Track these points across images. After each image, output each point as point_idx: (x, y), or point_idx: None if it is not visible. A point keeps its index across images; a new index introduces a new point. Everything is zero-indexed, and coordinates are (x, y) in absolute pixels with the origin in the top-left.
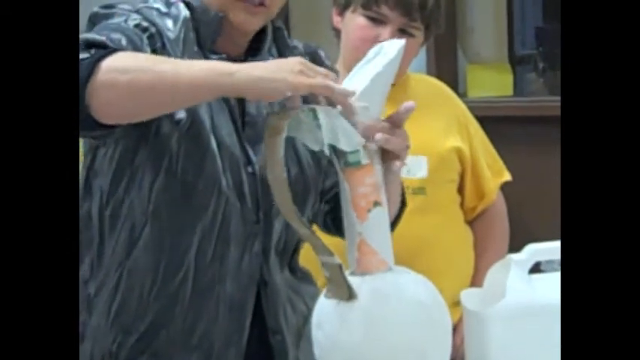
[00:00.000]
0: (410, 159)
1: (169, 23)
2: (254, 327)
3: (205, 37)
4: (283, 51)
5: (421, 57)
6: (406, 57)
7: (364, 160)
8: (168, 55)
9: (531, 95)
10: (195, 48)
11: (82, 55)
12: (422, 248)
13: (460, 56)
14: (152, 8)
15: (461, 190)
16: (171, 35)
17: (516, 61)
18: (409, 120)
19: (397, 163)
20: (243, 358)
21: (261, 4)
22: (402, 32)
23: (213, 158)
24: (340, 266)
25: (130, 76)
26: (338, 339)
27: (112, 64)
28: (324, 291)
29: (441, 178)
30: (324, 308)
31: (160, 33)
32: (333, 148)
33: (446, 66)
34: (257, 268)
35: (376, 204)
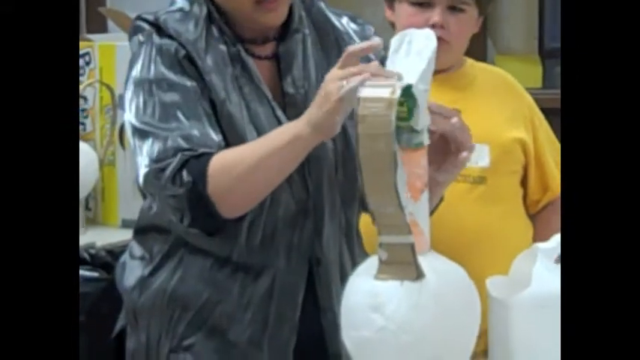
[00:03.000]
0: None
1: (190, 26)
2: (307, 305)
3: (228, 33)
4: (316, 18)
5: None
6: (463, 32)
7: (426, 141)
8: (191, 58)
9: (560, 88)
10: (222, 45)
11: (176, 161)
12: (481, 238)
13: (490, 47)
14: (174, 11)
15: (524, 182)
16: (191, 37)
17: (546, 54)
18: (473, 108)
19: (464, 153)
20: (297, 335)
21: None
22: (452, 9)
23: None
24: (413, 245)
25: (235, 173)
26: (407, 319)
27: (215, 174)
28: (376, 273)
29: (503, 169)
30: (382, 289)
31: (182, 45)
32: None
33: (475, 57)
34: (308, 247)
35: (426, 185)
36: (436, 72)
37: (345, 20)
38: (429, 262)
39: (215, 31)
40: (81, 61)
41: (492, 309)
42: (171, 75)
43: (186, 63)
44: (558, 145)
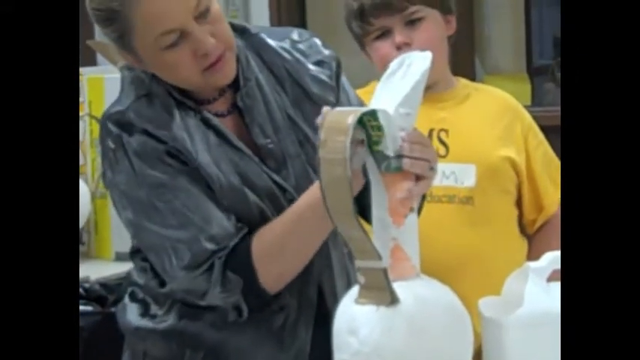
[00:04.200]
0: (458, 167)
1: (160, 110)
2: (319, 337)
3: (192, 104)
4: (262, 53)
5: None
6: (432, 40)
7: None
8: (170, 151)
9: (549, 105)
10: (192, 117)
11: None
12: (469, 260)
13: (478, 67)
14: (139, 98)
15: (519, 203)
16: (165, 122)
17: (534, 72)
18: (460, 128)
19: (421, 183)
20: None
21: (221, 56)
22: (411, 24)
23: (257, 206)
24: (386, 270)
25: (281, 258)
26: (379, 344)
27: (262, 265)
28: (356, 297)
29: (492, 189)
30: (359, 314)
31: (157, 138)
32: (371, 153)
33: (463, 77)
34: (317, 281)
35: (412, 209)
36: (425, 89)
37: (287, 44)
38: (411, 287)
39: (181, 105)
40: None
41: (486, 329)
42: (160, 175)
43: (168, 158)
44: (558, 164)
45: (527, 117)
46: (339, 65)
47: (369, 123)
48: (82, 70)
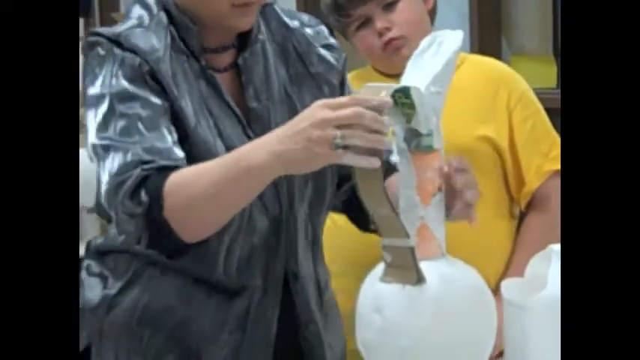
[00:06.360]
0: None
1: (154, 41)
2: (283, 321)
3: (191, 45)
4: (274, 24)
5: (465, 48)
6: (411, 20)
7: (436, 145)
8: (156, 77)
9: None
10: (185, 61)
11: (134, 174)
12: None
13: (504, 48)
14: (134, 27)
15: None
16: (155, 55)
17: (560, 53)
18: None
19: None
20: (273, 353)
21: (254, 2)
22: (387, 7)
23: None
24: (413, 249)
25: (189, 196)
26: (405, 323)
27: (171, 194)
28: (381, 275)
29: None
30: (384, 292)
31: (146, 61)
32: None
33: (490, 57)
34: (283, 262)
35: (440, 189)
36: None
37: (296, 24)
38: (437, 266)
39: (178, 43)
40: None
41: (508, 312)
42: (133, 88)
43: (150, 80)
44: (552, 139)
45: (519, 88)
46: (345, 59)
47: (400, 100)
48: None
